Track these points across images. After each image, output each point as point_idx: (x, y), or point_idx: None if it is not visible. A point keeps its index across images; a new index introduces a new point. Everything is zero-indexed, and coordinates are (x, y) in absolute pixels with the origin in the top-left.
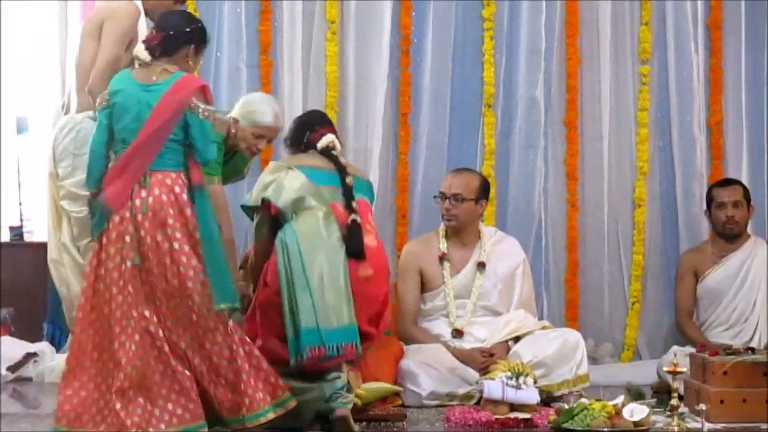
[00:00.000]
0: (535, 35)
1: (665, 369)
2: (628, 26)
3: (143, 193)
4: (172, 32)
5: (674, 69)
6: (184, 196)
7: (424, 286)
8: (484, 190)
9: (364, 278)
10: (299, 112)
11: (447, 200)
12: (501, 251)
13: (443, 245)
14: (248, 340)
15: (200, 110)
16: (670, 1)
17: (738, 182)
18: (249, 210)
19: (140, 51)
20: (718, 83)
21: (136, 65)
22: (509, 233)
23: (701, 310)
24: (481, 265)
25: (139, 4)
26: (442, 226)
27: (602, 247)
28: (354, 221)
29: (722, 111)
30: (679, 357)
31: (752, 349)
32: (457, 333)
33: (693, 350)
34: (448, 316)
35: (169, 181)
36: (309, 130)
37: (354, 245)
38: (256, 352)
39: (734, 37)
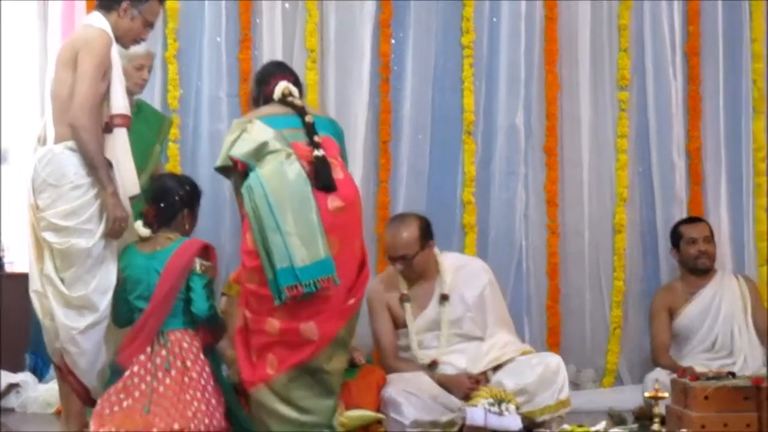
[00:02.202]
0: (515, 62)
1: (646, 394)
2: (607, 53)
3: (164, 352)
4: (163, 204)
5: (653, 95)
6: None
7: (395, 323)
8: (425, 234)
9: (334, 210)
10: None
11: (395, 262)
12: (465, 277)
13: (403, 286)
14: None
15: (198, 265)
16: (649, 28)
17: (703, 219)
18: (224, 172)
19: (140, 228)
20: (697, 109)
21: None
22: (490, 260)
23: (678, 345)
24: (444, 298)
25: (111, 32)
26: None
27: (583, 273)
28: (318, 156)
29: (701, 137)
30: (664, 380)
31: (733, 374)
32: (433, 364)
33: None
34: (416, 352)
35: (188, 339)
36: (264, 84)
37: (322, 179)
38: None
39: (712, 63)
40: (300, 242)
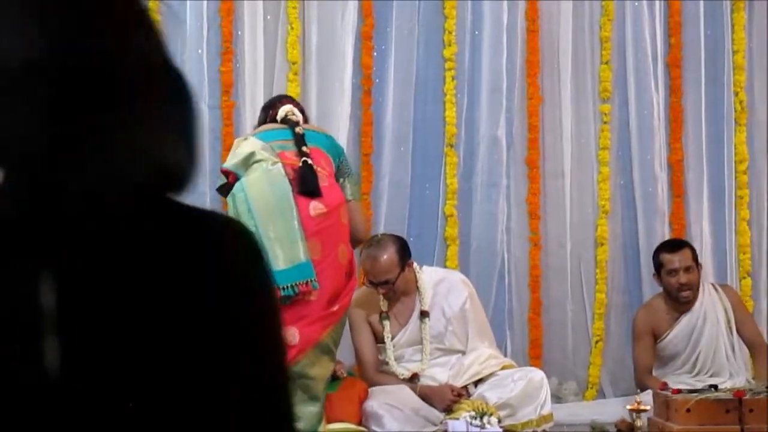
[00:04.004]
0: (497, 75)
1: (628, 407)
2: (589, 65)
3: None
4: None
5: (635, 107)
6: None
7: (376, 338)
8: (403, 255)
9: (317, 215)
10: None
11: (377, 287)
12: (444, 291)
13: (383, 304)
14: None
15: None
16: (630, 40)
17: (686, 244)
18: (223, 190)
19: None
20: (679, 121)
21: None
22: (472, 272)
23: (661, 365)
24: (424, 314)
25: None
26: None
27: (565, 286)
28: (305, 162)
29: (683, 149)
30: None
31: (715, 387)
32: (414, 377)
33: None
34: (395, 368)
35: None
36: (270, 109)
37: (307, 184)
38: None
39: (694, 75)
40: (279, 246)
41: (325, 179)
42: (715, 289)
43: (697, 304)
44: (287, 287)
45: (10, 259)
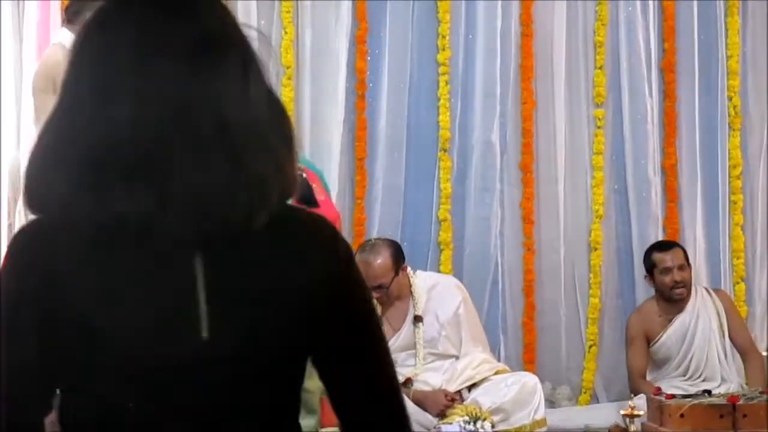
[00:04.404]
0: (490, 79)
1: (622, 412)
2: (583, 70)
3: None
4: None
5: (628, 112)
6: None
7: None
8: (398, 259)
9: None
10: None
11: (372, 292)
12: (438, 296)
13: (377, 308)
14: None
15: None
16: (624, 44)
17: (676, 244)
18: None
19: None
20: (672, 126)
21: None
22: (466, 277)
23: (655, 368)
24: (417, 319)
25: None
26: None
27: (559, 290)
28: (300, 176)
29: (676, 153)
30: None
31: (708, 392)
32: (408, 381)
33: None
34: None
35: None
36: None
37: (303, 195)
38: None
39: (688, 80)
40: None
41: (321, 194)
42: (709, 293)
43: (689, 306)
44: None
45: (173, 246)
